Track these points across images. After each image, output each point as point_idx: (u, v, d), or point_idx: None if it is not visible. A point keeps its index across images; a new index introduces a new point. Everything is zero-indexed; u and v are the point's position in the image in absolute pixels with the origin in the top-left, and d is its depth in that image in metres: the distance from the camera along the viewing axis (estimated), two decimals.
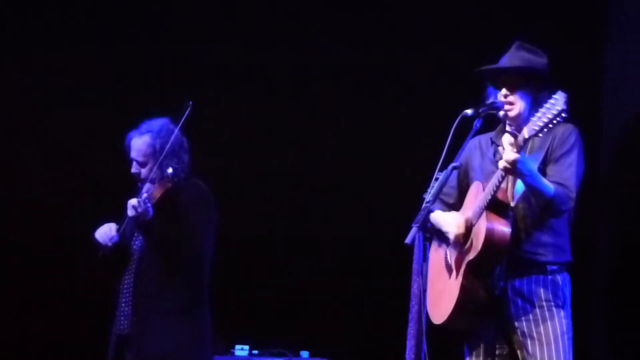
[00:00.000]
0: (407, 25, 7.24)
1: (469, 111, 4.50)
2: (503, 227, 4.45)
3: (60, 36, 7.34)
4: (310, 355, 6.79)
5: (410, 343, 4.40)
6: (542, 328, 4.55)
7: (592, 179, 4.99)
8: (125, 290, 5.43)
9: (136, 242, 5.46)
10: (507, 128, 4.72)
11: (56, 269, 7.18)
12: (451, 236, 4.60)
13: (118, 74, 7.30)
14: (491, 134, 4.78)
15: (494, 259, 4.50)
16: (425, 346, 4.34)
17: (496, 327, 4.62)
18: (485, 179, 4.63)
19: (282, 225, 7.34)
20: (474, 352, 4.66)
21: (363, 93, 7.35)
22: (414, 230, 4.23)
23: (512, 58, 4.69)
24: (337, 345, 6.84)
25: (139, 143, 5.45)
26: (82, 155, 7.30)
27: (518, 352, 4.57)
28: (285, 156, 7.37)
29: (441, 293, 4.67)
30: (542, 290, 4.57)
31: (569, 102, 4.17)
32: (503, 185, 4.47)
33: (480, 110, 4.55)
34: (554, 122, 4.20)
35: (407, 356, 4.41)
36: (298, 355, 6.80)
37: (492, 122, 4.74)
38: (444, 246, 4.73)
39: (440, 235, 4.69)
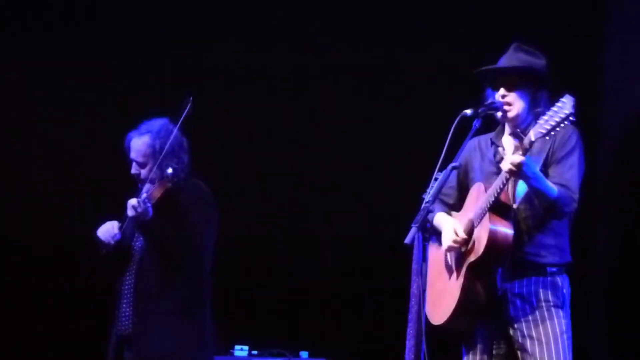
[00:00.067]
0: (407, 25, 7.24)
1: (468, 111, 4.51)
2: (506, 229, 4.46)
3: (60, 36, 7.34)
4: (310, 355, 6.79)
5: (409, 343, 4.41)
6: (541, 328, 4.55)
7: (592, 179, 4.98)
8: (126, 291, 5.43)
9: (137, 243, 5.46)
10: (506, 129, 4.73)
11: (56, 269, 7.18)
12: (445, 243, 4.59)
13: (118, 74, 7.30)
14: (491, 135, 4.78)
15: (496, 261, 4.51)
16: (424, 346, 4.34)
17: (494, 327, 4.62)
18: (485, 180, 4.64)
19: (282, 225, 7.34)
20: (472, 352, 4.66)
21: (363, 93, 7.35)
22: (413, 230, 4.24)
23: (510, 59, 4.69)
24: (336, 346, 6.84)
25: (138, 144, 5.45)
26: (82, 155, 7.30)
27: (518, 352, 4.57)
28: (285, 156, 7.37)
29: (441, 293, 4.67)
30: (541, 291, 4.58)
31: (576, 106, 4.17)
32: (505, 187, 4.48)
33: (479, 111, 4.55)
34: (562, 125, 4.20)
35: (406, 356, 4.42)
36: (297, 355, 6.79)
37: (491, 123, 4.74)
38: (443, 246, 4.73)
39: (440, 237, 4.69)
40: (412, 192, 4.82)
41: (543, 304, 4.57)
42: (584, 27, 6.90)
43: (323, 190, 7.36)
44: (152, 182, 5.40)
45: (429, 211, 4.36)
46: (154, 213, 5.27)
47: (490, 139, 4.77)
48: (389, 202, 6.98)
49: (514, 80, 4.63)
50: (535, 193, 4.47)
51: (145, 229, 5.32)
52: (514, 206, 4.55)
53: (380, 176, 7.21)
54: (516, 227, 4.50)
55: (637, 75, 6.55)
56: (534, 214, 4.56)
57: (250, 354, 6.72)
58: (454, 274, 4.62)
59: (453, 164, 4.43)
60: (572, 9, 6.91)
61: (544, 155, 4.56)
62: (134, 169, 5.48)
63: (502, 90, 4.63)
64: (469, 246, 4.54)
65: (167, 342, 5.28)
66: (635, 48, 6.58)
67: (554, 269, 4.60)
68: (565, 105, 4.19)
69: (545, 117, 4.23)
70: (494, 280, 4.57)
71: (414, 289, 4.41)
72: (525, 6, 6.96)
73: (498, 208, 4.47)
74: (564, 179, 4.52)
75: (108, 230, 5.38)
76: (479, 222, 4.51)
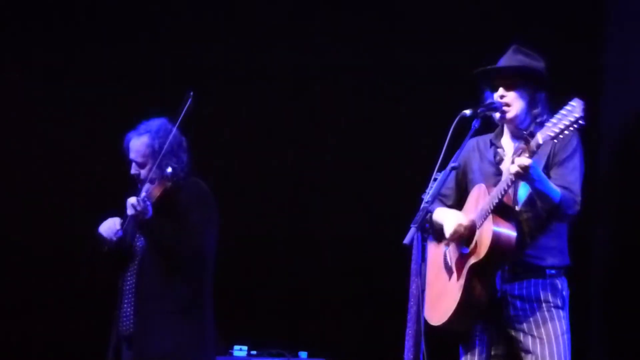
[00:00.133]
0: (407, 25, 7.23)
1: (467, 111, 4.51)
2: (509, 231, 4.46)
3: (60, 36, 7.35)
4: (309, 355, 6.78)
5: (408, 343, 4.41)
6: (543, 328, 4.56)
7: (592, 179, 4.98)
8: (127, 290, 5.43)
9: (139, 242, 5.46)
10: (505, 130, 4.73)
11: (56, 269, 7.18)
12: (449, 231, 4.58)
13: (118, 74, 7.30)
14: (490, 136, 4.78)
15: (499, 262, 4.51)
16: (423, 346, 4.34)
17: (493, 328, 4.62)
18: (485, 181, 4.64)
19: (282, 225, 7.34)
20: (470, 353, 4.66)
21: (363, 93, 7.35)
22: (412, 230, 4.24)
23: (509, 60, 4.69)
24: (335, 346, 6.84)
25: (137, 144, 5.45)
26: (82, 155, 7.30)
27: (520, 352, 4.58)
28: (285, 156, 7.37)
29: (440, 294, 4.66)
30: (541, 292, 4.59)
31: (586, 110, 4.16)
32: (510, 189, 4.47)
33: (478, 111, 4.55)
34: (571, 129, 4.19)
35: (405, 356, 4.42)
36: (296, 355, 6.79)
37: (489, 124, 4.74)
38: (442, 247, 4.73)
39: (439, 235, 4.68)
40: (412, 192, 4.82)
41: (544, 304, 4.58)
42: (584, 27, 6.89)
43: (323, 190, 7.35)
44: (151, 181, 5.40)
45: (428, 211, 4.36)
46: (153, 212, 5.27)
47: (490, 140, 4.77)
48: (389, 202, 6.98)
49: (512, 80, 4.63)
50: (539, 195, 4.46)
51: (145, 228, 5.32)
52: (517, 208, 4.54)
53: (380, 176, 7.21)
54: (518, 229, 4.49)
55: (637, 75, 6.55)
56: (536, 216, 4.56)
57: (249, 354, 6.72)
58: (454, 275, 4.62)
59: (452, 164, 4.43)
60: (572, 9, 6.91)
61: (545, 158, 4.56)
62: (133, 170, 5.48)
63: (500, 90, 4.63)
64: (471, 247, 4.54)
65: (167, 343, 5.28)
66: (635, 48, 6.58)
67: (553, 272, 4.60)
68: (574, 109, 4.17)
69: (554, 120, 4.22)
70: (494, 283, 4.57)
71: (413, 289, 4.41)
72: (525, 6, 6.96)
73: (501, 210, 4.46)
74: (567, 182, 4.52)
75: (110, 226, 5.39)
76: (481, 224, 4.50)
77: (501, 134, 4.76)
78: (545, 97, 4.65)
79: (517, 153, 4.59)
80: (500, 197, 4.43)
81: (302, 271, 7.21)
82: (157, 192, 5.34)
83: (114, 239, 5.37)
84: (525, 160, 4.31)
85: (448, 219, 4.61)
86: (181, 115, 5.36)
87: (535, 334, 4.56)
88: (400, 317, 4.55)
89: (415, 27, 7.20)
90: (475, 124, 4.53)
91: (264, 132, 7.37)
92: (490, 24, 6.92)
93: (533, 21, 6.88)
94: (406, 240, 4.23)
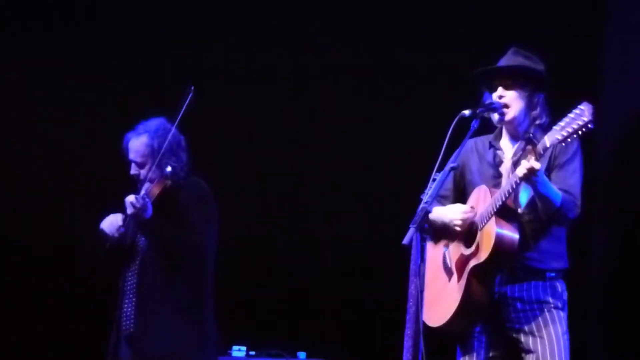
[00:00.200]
0: (407, 25, 7.23)
1: (466, 112, 4.50)
2: (512, 233, 4.46)
3: (60, 36, 7.35)
4: (308, 356, 6.77)
5: (407, 343, 4.40)
6: (544, 329, 4.57)
7: (591, 179, 4.98)
8: (128, 290, 5.43)
9: (141, 242, 5.46)
10: (504, 132, 4.73)
11: (56, 269, 7.18)
12: (458, 225, 4.57)
13: (118, 74, 7.30)
14: (489, 137, 4.78)
15: (501, 264, 4.51)
16: (422, 346, 4.34)
17: (491, 330, 4.63)
18: (485, 183, 4.64)
19: (282, 225, 7.33)
20: (468, 355, 4.66)
21: (363, 93, 7.34)
22: (411, 230, 4.23)
23: (508, 61, 4.69)
24: (334, 346, 6.83)
25: (136, 144, 5.45)
26: (82, 155, 7.30)
27: (522, 353, 4.58)
28: (285, 156, 7.36)
29: (439, 296, 4.66)
30: (542, 294, 4.60)
31: (595, 114, 4.15)
32: (514, 191, 4.46)
33: (478, 111, 4.55)
34: (579, 133, 4.17)
35: (404, 357, 4.42)
36: (295, 356, 6.78)
37: (488, 125, 4.74)
38: (441, 247, 4.72)
39: (438, 236, 4.68)
40: (411, 192, 4.81)
41: (544, 305, 4.59)
42: (584, 27, 6.89)
43: (323, 190, 7.35)
44: (151, 181, 5.40)
45: (427, 212, 4.35)
46: (153, 212, 5.27)
47: (490, 142, 4.76)
48: (389, 202, 6.97)
49: (512, 80, 4.63)
50: (541, 198, 4.46)
51: (145, 228, 5.32)
52: (519, 210, 4.54)
53: (380, 176, 7.21)
54: (520, 232, 4.49)
55: (637, 75, 6.54)
56: (537, 219, 4.55)
57: (248, 355, 6.71)
58: (454, 277, 4.61)
59: (451, 165, 4.43)
60: (572, 9, 6.90)
61: (546, 161, 4.54)
62: (133, 170, 5.48)
63: (499, 90, 4.63)
64: (473, 248, 4.53)
65: (167, 342, 5.28)
66: (635, 48, 6.58)
67: (552, 274, 4.61)
68: (583, 113, 4.16)
69: (562, 124, 4.21)
70: (493, 284, 4.57)
71: (412, 289, 4.40)
72: (525, 6, 6.96)
73: (504, 212, 4.46)
74: (567, 185, 4.53)
75: (112, 222, 5.39)
76: (483, 225, 4.50)
77: (500, 135, 4.75)
78: (544, 98, 4.65)
79: (517, 155, 4.60)
80: (504, 199, 4.42)
81: (301, 271, 7.21)
82: (156, 190, 5.34)
83: (116, 234, 5.38)
84: (535, 163, 4.29)
85: (450, 210, 4.61)
86: (182, 110, 5.36)
87: (536, 334, 4.57)
88: (399, 317, 4.54)
89: (415, 27, 7.19)
90: (474, 124, 4.53)
91: (264, 132, 7.37)
92: (490, 24, 6.92)
93: (533, 21, 6.88)
94: (405, 241, 4.23)
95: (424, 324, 4.45)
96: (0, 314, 7.22)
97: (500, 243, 4.43)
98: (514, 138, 4.71)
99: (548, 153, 4.50)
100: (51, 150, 7.36)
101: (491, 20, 6.99)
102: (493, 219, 4.45)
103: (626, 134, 6.68)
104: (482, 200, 4.57)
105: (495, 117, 4.65)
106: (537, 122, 4.62)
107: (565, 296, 4.65)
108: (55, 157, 7.34)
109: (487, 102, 4.64)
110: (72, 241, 6.89)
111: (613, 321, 6.48)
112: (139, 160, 5.45)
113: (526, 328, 4.58)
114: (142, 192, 5.31)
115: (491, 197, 4.51)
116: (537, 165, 4.29)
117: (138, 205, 5.23)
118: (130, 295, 5.41)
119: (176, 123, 5.40)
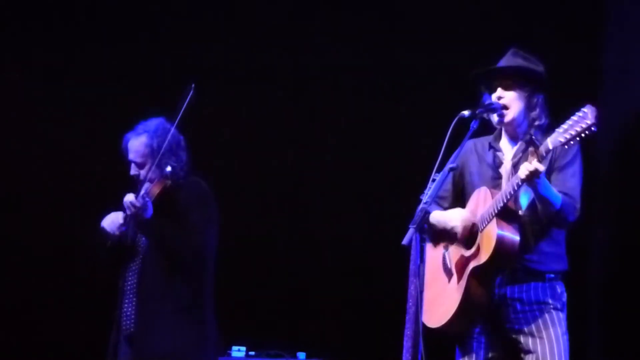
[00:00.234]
0: (407, 25, 7.23)
1: (466, 112, 4.50)
2: (513, 235, 4.46)
3: (60, 36, 7.35)
4: (307, 356, 6.77)
5: (407, 344, 4.40)
6: (544, 329, 4.58)
7: (591, 180, 4.98)
8: (128, 290, 5.43)
9: (141, 242, 5.45)
10: (503, 133, 4.73)
11: (56, 269, 7.19)
12: (459, 230, 4.58)
13: (118, 74, 7.30)
14: (488, 138, 4.77)
15: (501, 266, 4.51)
16: (422, 347, 4.34)
17: (490, 331, 4.63)
18: (485, 184, 4.64)
19: (282, 225, 7.34)
20: (467, 356, 4.66)
21: (363, 93, 7.35)
22: (411, 231, 4.23)
23: (508, 62, 4.69)
24: (334, 347, 6.84)
25: (136, 144, 5.45)
26: (82, 155, 7.30)
27: (521, 354, 4.58)
28: (285, 156, 7.37)
29: (438, 297, 4.66)
30: (542, 295, 4.60)
31: (598, 117, 4.13)
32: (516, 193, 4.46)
33: (477, 112, 4.54)
34: (582, 135, 4.16)
35: (404, 357, 4.42)
36: (295, 356, 6.78)
37: (487, 126, 4.73)
38: (440, 248, 4.72)
39: (437, 237, 4.68)
40: (411, 193, 4.81)
41: (544, 306, 4.60)
42: (584, 27, 6.89)
43: (323, 190, 7.35)
44: (151, 181, 5.40)
45: (427, 212, 4.35)
46: (153, 212, 5.27)
47: (489, 143, 4.76)
48: (389, 202, 6.97)
49: (511, 81, 4.62)
50: (541, 201, 4.45)
51: (146, 228, 5.32)
52: (520, 212, 4.54)
53: (380, 176, 7.21)
54: (521, 233, 4.49)
55: (637, 75, 6.54)
56: (537, 221, 4.55)
57: (247, 355, 6.71)
58: (454, 278, 4.61)
59: (450, 165, 4.42)
60: (572, 9, 6.90)
61: (546, 163, 4.54)
62: (133, 170, 5.47)
63: (499, 91, 4.63)
64: (473, 250, 4.53)
65: (167, 342, 5.28)
66: (635, 48, 6.57)
67: (552, 276, 4.61)
68: (586, 116, 4.14)
69: (565, 126, 4.19)
70: (493, 285, 4.57)
71: (411, 289, 4.40)
72: (525, 6, 6.96)
73: (505, 214, 4.45)
74: (567, 187, 4.52)
75: (113, 220, 5.39)
76: (484, 227, 4.50)
77: (499, 136, 4.75)
78: (543, 99, 4.64)
79: (518, 157, 4.59)
80: (505, 201, 4.42)
81: (301, 271, 7.21)
82: (156, 190, 5.34)
83: (117, 233, 5.38)
84: (538, 165, 4.28)
85: (451, 216, 4.61)
86: (183, 108, 5.35)
87: (536, 335, 4.57)
88: (399, 317, 4.54)
89: (415, 27, 7.19)
90: (474, 124, 4.52)
91: (264, 132, 7.37)
92: (490, 24, 6.92)
93: (533, 21, 6.88)
94: (405, 241, 4.23)
95: (424, 325, 4.46)
96: (0, 314, 7.23)
97: (501, 245, 4.43)
98: (513, 139, 4.70)
99: (548, 155, 4.49)
100: (51, 150, 7.36)
101: (491, 20, 6.99)
102: (494, 220, 4.45)
103: (626, 134, 6.68)
104: (482, 201, 4.57)
105: (494, 118, 4.65)
106: (537, 123, 4.61)
107: (564, 297, 4.65)
108: (55, 157, 7.34)
109: (487, 102, 4.63)
110: (72, 241, 6.89)
111: (613, 322, 6.48)
112: (138, 160, 5.44)
113: (526, 329, 4.58)
114: (142, 192, 5.31)
115: (492, 198, 4.51)
116: (541, 167, 4.29)
117: (138, 205, 5.23)
118: (131, 295, 5.41)
119: (176, 121, 5.39)
